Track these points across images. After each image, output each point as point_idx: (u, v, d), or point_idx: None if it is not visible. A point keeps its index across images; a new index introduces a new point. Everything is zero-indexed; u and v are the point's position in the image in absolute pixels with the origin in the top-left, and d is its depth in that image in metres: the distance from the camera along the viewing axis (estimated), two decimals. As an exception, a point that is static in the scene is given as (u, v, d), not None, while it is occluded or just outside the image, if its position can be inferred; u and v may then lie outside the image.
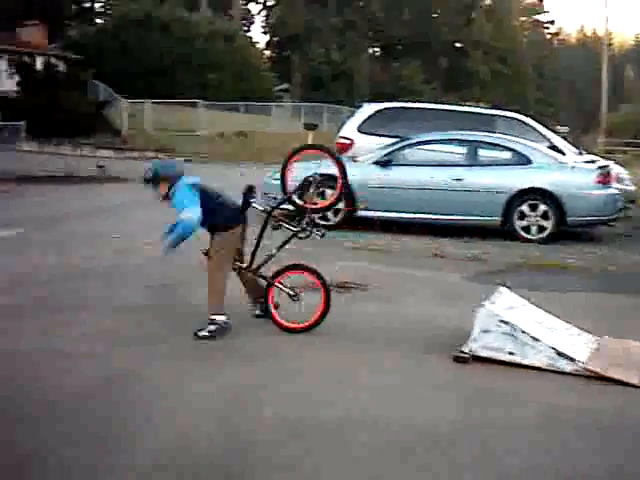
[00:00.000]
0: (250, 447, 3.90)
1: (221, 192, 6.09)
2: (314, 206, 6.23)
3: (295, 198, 6.18)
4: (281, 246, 6.13)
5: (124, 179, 20.54)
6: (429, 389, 4.83)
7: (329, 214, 11.12)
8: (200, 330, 5.69)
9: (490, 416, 4.38)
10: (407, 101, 14.75)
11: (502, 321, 5.20)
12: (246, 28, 73.58)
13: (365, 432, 4.12)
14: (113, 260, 8.75)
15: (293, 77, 64.92)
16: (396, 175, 11.26)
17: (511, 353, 5.17)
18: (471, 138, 11.61)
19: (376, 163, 11.34)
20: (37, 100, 29.74)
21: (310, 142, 24.80)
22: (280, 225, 6.13)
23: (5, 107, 31.22)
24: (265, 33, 75.31)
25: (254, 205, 6.07)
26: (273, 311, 6.02)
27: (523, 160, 11.16)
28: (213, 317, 5.72)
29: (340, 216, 11.19)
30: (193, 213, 5.61)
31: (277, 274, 6.07)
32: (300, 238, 6.07)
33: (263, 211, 6.17)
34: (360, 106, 15.20)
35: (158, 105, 34.38)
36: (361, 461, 3.80)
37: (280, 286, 6.03)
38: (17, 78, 32.59)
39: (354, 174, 11.11)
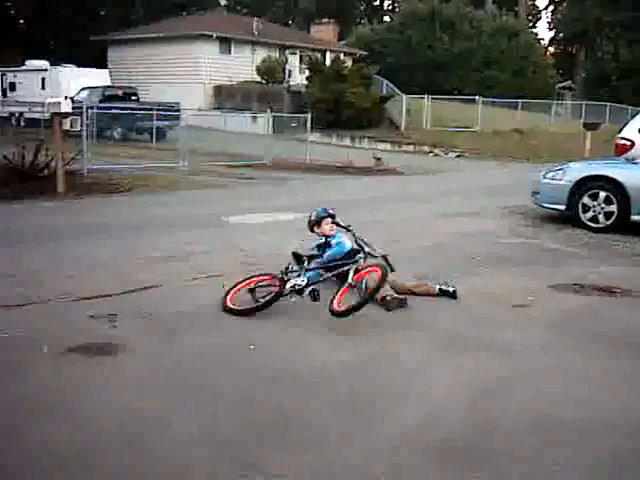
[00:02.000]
0: (494, 435, 4.06)
1: None
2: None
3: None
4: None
5: (398, 172, 21.22)
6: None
7: (600, 217, 10.79)
8: None
9: None
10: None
11: None
12: (531, 24, 72.07)
13: (612, 436, 4.10)
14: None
15: (577, 74, 62.49)
16: (678, 180, 10.60)
17: None
18: None
19: (657, 166, 10.77)
20: (323, 94, 31.46)
21: (589, 143, 24.07)
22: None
23: (295, 100, 33.43)
24: (550, 29, 73.29)
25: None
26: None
27: None
28: None
29: (611, 220, 10.76)
30: None
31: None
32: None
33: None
34: (645, 106, 14.46)
35: (436, 101, 34.80)
36: (603, 464, 3.78)
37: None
38: (307, 73, 34.70)
39: (631, 176, 10.74)
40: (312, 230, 6.97)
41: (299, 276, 6.32)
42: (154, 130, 23.15)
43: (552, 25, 74.04)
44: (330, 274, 6.36)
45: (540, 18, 78.17)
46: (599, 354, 5.50)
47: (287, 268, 6.44)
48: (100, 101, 26.32)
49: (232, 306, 6.17)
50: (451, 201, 14.26)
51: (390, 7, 74.06)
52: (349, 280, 5.96)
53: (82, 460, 3.67)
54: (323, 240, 6.91)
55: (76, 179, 14.80)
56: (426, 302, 6.65)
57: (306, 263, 6.53)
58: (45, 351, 5.12)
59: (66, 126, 13.95)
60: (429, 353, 5.35)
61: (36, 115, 20.36)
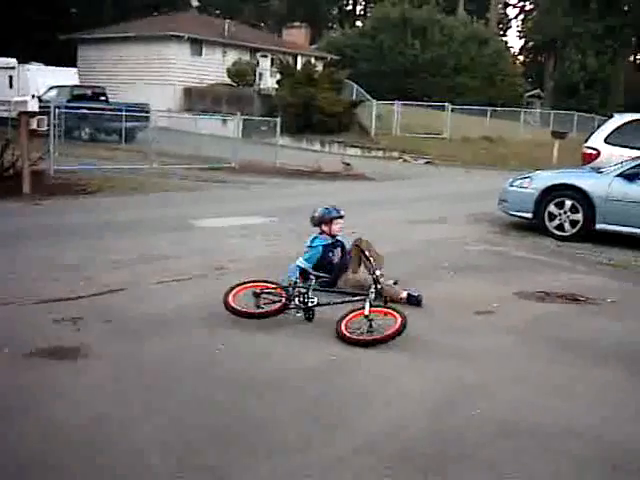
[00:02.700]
0: (457, 442, 4.08)
1: None
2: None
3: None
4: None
5: (367, 177, 21.27)
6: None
7: (566, 225, 10.93)
8: None
9: None
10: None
11: None
12: (502, 32, 72.76)
13: (573, 442, 4.14)
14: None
15: (545, 83, 63.17)
16: (643, 190, 10.74)
17: None
18: None
19: (621, 175, 10.88)
20: (294, 98, 31.46)
21: (556, 151, 24.33)
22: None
23: (265, 103, 33.41)
24: (520, 38, 74.07)
25: None
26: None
27: None
28: None
29: (577, 228, 10.89)
30: None
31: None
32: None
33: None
34: (611, 116, 14.63)
35: (407, 107, 34.97)
36: (565, 470, 3.83)
37: None
38: (278, 76, 34.69)
39: (597, 185, 10.87)
40: (318, 226, 7.10)
41: (307, 292, 6.23)
42: (123, 131, 22.97)
43: (522, 34, 74.86)
44: (340, 300, 6.29)
45: (510, 27, 78.93)
46: (562, 361, 5.56)
47: (295, 282, 6.38)
48: (68, 100, 26.02)
49: (234, 305, 6.09)
50: (419, 207, 14.34)
51: (362, 12, 74.35)
52: (365, 311, 5.84)
53: (42, 465, 3.64)
54: (330, 241, 7.04)
55: (43, 180, 14.64)
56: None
57: (313, 281, 6.48)
58: (6, 351, 5.07)
59: (33, 125, 13.75)
60: (394, 360, 5.37)
61: (3, 114, 20.11)
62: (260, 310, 6.13)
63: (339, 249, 7.16)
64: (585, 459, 3.96)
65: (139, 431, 4.03)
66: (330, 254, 7.06)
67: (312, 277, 6.59)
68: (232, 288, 6.28)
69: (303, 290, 6.25)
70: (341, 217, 7.08)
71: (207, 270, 7.86)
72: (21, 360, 4.99)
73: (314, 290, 6.32)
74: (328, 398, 4.63)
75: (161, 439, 3.94)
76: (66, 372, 4.83)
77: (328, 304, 6.23)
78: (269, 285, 6.40)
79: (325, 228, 7.06)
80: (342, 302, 6.24)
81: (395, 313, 5.82)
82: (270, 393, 4.65)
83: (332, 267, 7.04)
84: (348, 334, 5.68)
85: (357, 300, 6.13)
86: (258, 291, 6.25)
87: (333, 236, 7.09)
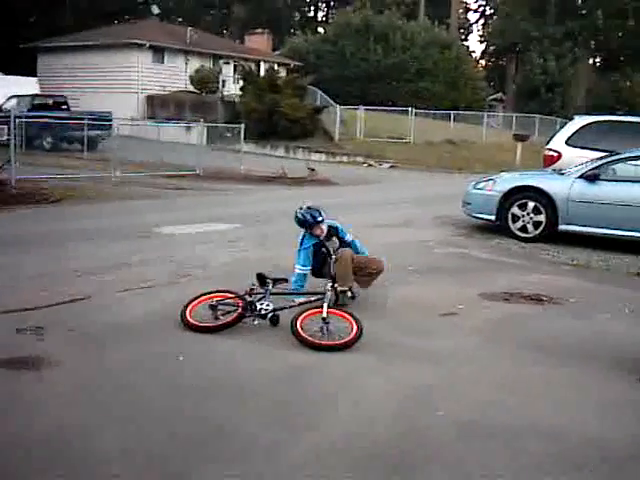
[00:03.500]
0: (421, 443, 4.09)
1: None
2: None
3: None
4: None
5: (332, 182, 21.30)
6: (608, 406, 4.77)
7: (529, 226, 11.03)
8: None
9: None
10: (620, 114, 14.11)
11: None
12: (463, 37, 73.38)
13: (536, 441, 4.17)
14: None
15: (507, 87, 63.82)
16: (603, 190, 10.87)
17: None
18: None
19: (582, 177, 11.01)
20: (258, 104, 31.42)
21: (519, 154, 24.58)
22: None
23: (229, 110, 33.34)
24: (482, 42, 74.75)
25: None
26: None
27: None
28: None
29: (540, 229, 11.01)
30: None
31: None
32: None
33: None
34: (572, 118, 14.81)
35: (370, 112, 35.10)
36: (528, 469, 3.86)
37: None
38: (241, 83, 34.63)
39: (558, 187, 11.00)
40: (309, 229, 6.88)
41: (264, 298, 6.24)
42: (85, 140, 22.77)
43: (483, 38, 75.57)
44: (298, 302, 6.30)
45: (472, 31, 79.64)
46: (526, 361, 5.60)
47: (252, 289, 6.34)
48: (29, 110, 25.75)
49: (192, 321, 6.02)
50: (384, 211, 14.38)
51: (324, 18, 74.54)
52: (323, 313, 5.84)
53: (2, 478, 3.57)
54: (316, 241, 6.87)
55: (4, 190, 14.45)
56: (354, 310, 6.67)
57: (270, 286, 6.42)
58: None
59: (-7, 135, 13.60)
60: (358, 362, 5.38)
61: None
62: (216, 323, 6.05)
63: (332, 238, 7.02)
64: (547, 456, 3.99)
65: (101, 440, 3.98)
66: (324, 250, 6.93)
67: (269, 281, 6.46)
68: (189, 303, 6.22)
69: (259, 296, 6.25)
70: (322, 222, 6.88)
71: (172, 277, 7.81)
72: (-19, 372, 4.91)
73: (272, 294, 6.32)
74: (293, 401, 4.62)
75: (123, 447, 3.90)
76: (28, 382, 4.76)
77: (284, 308, 6.23)
78: (227, 295, 6.35)
79: (312, 232, 6.89)
80: (299, 304, 6.26)
81: (351, 319, 5.86)
82: (234, 398, 4.63)
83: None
84: (307, 336, 5.68)
85: (315, 300, 6.19)
86: (214, 303, 6.20)
87: (318, 236, 6.91)
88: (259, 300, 6.21)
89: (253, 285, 6.42)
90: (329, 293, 6.14)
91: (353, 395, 4.76)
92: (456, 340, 6.05)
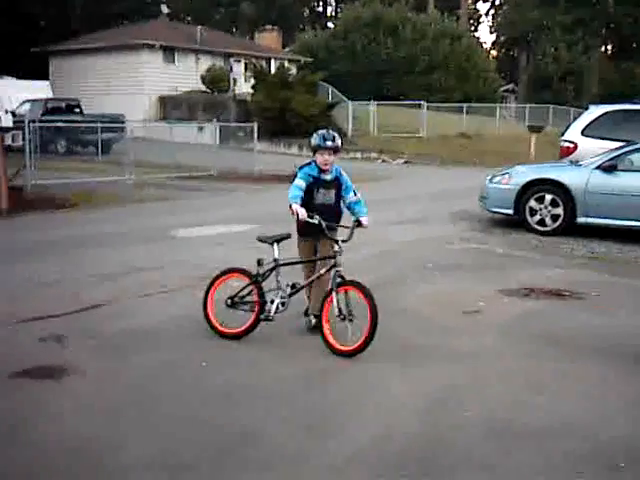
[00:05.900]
0: (450, 444, 4.06)
1: None
2: None
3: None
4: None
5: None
6: (635, 403, 4.73)
7: (547, 220, 10.97)
8: None
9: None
10: (636, 102, 13.93)
11: None
12: (473, 28, 73.08)
13: (566, 440, 4.14)
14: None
15: (519, 77, 63.50)
16: (621, 181, 10.78)
17: None
18: None
19: (599, 168, 10.93)
20: (269, 102, 31.38)
21: (534, 145, 24.41)
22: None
23: (241, 108, 33.32)
24: (492, 33, 74.43)
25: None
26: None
27: None
28: None
29: (558, 222, 10.94)
30: None
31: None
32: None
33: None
34: (587, 108, 14.69)
35: (382, 107, 34.99)
36: (562, 470, 3.82)
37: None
38: (252, 81, 34.58)
39: (576, 179, 10.92)
40: (314, 153, 5.96)
41: (278, 289, 5.86)
42: (99, 143, 22.80)
43: (493, 29, 75.25)
44: (307, 283, 5.94)
45: (482, 22, 79.39)
46: (550, 358, 5.56)
47: (263, 274, 5.88)
48: (43, 114, 25.78)
49: (221, 328, 5.89)
50: (400, 208, 14.33)
51: (333, 13, 74.38)
52: (332, 292, 5.48)
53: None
54: (316, 174, 5.92)
55: (20, 195, 14.50)
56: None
57: (274, 273, 5.89)
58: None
59: (8, 141, 13.61)
60: (381, 363, 5.35)
61: (-23, 130, 19.85)
62: (238, 329, 5.85)
63: (332, 189, 6.03)
64: (579, 456, 3.95)
65: (128, 450, 3.97)
66: (316, 191, 5.95)
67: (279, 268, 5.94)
68: (206, 295, 6.01)
69: (269, 274, 5.90)
70: (327, 149, 5.84)
71: (191, 281, 7.77)
72: (6, 381, 4.92)
73: (281, 266, 5.92)
74: (318, 406, 4.59)
75: (151, 457, 3.89)
76: (52, 392, 4.76)
77: (293, 293, 5.92)
78: (241, 275, 6.05)
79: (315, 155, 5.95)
80: (308, 284, 5.96)
81: (359, 291, 5.44)
82: (260, 404, 4.61)
83: (324, 209, 5.89)
84: (339, 346, 5.48)
85: (327, 272, 5.70)
86: (230, 303, 5.95)
87: (322, 170, 5.90)
88: (275, 295, 5.88)
89: (261, 267, 5.90)
90: (338, 258, 5.62)
91: (377, 397, 4.73)
92: (479, 338, 6.01)
